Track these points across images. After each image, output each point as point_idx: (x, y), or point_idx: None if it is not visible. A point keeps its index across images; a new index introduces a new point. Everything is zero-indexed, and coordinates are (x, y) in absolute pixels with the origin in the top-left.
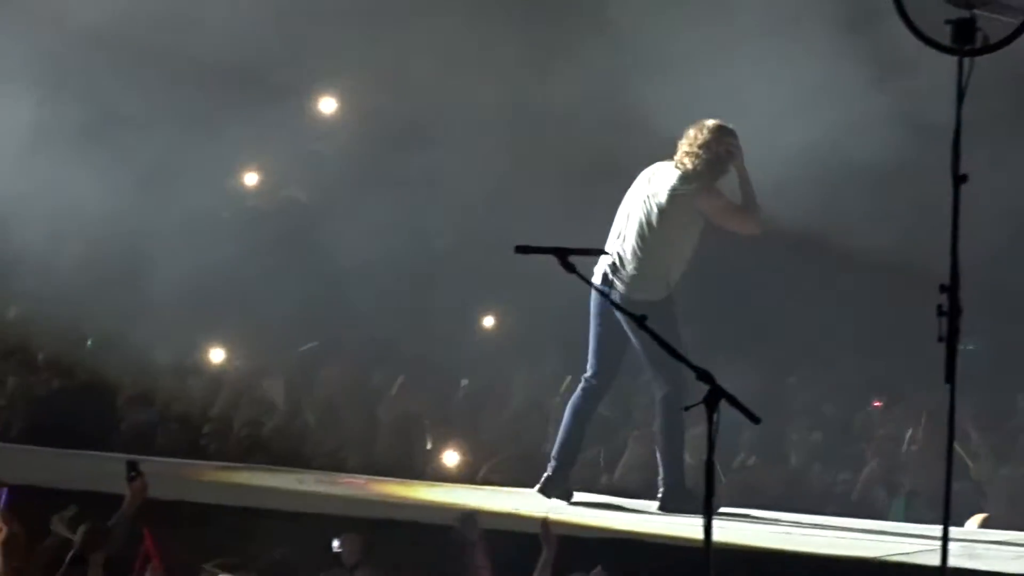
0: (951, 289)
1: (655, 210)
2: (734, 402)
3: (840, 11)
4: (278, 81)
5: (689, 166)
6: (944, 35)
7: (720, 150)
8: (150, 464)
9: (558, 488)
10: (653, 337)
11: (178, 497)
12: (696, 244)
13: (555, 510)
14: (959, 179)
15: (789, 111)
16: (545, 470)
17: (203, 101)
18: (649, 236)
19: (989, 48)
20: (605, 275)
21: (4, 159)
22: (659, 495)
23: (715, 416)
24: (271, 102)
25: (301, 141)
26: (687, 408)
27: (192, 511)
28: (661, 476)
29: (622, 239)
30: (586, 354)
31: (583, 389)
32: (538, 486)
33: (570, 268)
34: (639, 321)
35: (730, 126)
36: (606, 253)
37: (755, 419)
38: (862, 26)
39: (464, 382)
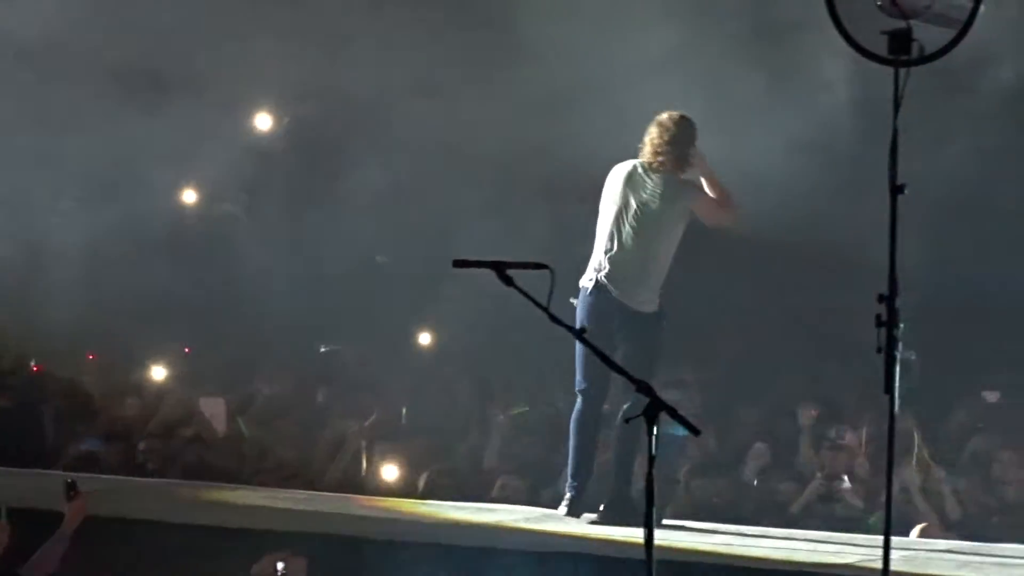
0: (889, 299)
1: (652, 218)
2: (674, 414)
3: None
4: (213, 93)
5: (669, 165)
6: (880, 46)
7: (686, 141)
8: (92, 482)
9: (582, 505)
10: (592, 350)
11: (118, 514)
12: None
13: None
14: (896, 189)
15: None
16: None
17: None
18: (654, 245)
19: (925, 59)
20: (598, 282)
21: None
22: (601, 506)
23: (654, 429)
24: (206, 114)
25: (236, 155)
26: (627, 420)
27: (133, 528)
28: (610, 485)
29: (612, 247)
30: (572, 368)
31: (581, 402)
32: (564, 508)
33: (508, 282)
34: (577, 334)
35: (687, 115)
36: (545, 267)
37: (695, 431)
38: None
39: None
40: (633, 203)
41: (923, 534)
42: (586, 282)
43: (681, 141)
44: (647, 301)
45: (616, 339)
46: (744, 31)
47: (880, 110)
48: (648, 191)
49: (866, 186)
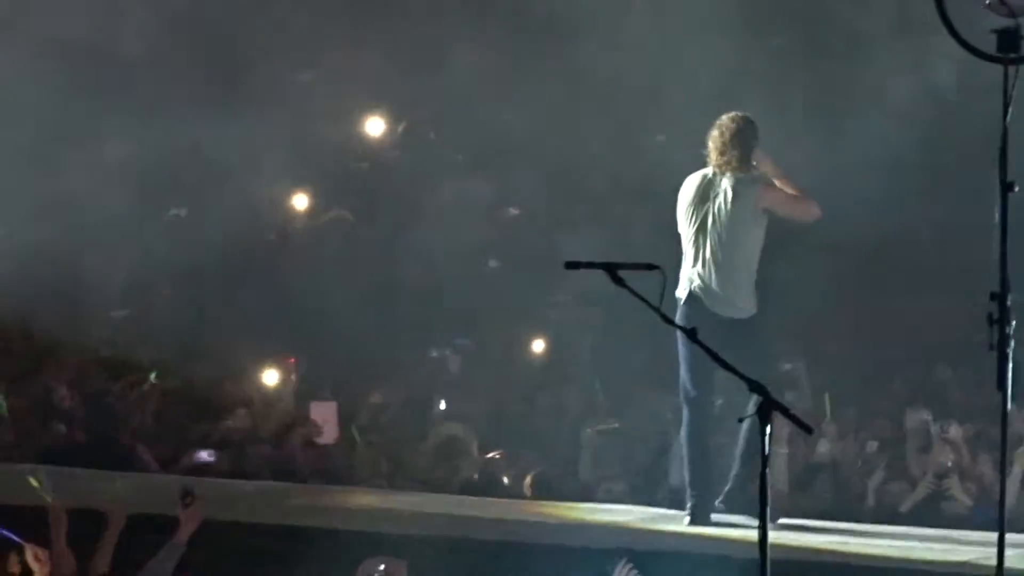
0: (1001, 296)
1: (728, 222)
2: (787, 413)
3: None
4: (317, 101)
5: (735, 163)
6: (990, 44)
7: (748, 139)
8: (203, 486)
9: (705, 515)
10: (705, 351)
11: (228, 519)
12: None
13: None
14: (1007, 187)
15: None
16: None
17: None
18: (736, 251)
19: None
20: (691, 293)
21: None
22: (721, 498)
23: (768, 428)
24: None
25: (344, 160)
26: (740, 420)
27: (241, 532)
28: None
29: (697, 257)
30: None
31: (688, 411)
32: (687, 518)
33: (619, 282)
34: (690, 335)
35: (746, 114)
36: (656, 267)
37: (808, 429)
38: None
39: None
40: (708, 210)
41: None
42: (681, 293)
43: (742, 139)
44: (741, 307)
45: (716, 348)
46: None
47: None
48: (719, 195)
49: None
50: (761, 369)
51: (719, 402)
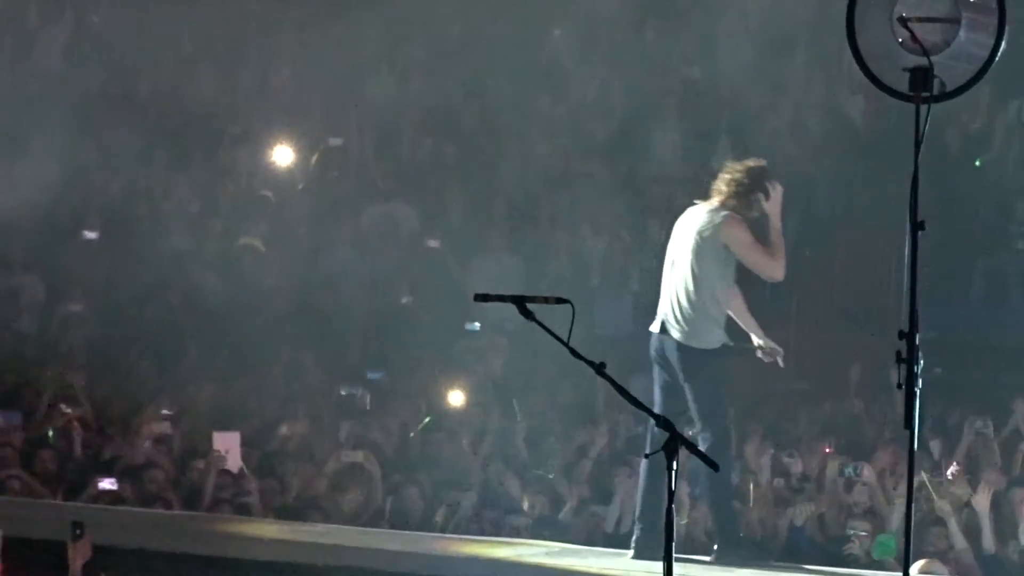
0: (909, 335)
1: (692, 253)
2: (694, 450)
3: None
4: (231, 128)
5: (716, 201)
6: (902, 83)
7: (750, 184)
8: (105, 514)
9: (649, 548)
10: (613, 385)
11: (133, 546)
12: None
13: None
14: (917, 226)
15: None
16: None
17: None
18: (693, 280)
19: (947, 95)
20: (663, 323)
21: None
22: (715, 547)
23: (675, 464)
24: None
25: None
26: (647, 456)
27: (147, 560)
28: (716, 527)
29: (672, 288)
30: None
31: (650, 439)
32: (631, 551)
33: (528, 315)
34: (597, 368)
35: (765, 164)
36: (565, 301)
37: (714, 466)
38: None
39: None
40: (677, 243)
41: (923, 570)
42: (654, 327)
43: (742, 182)
44: (705, 338)
45: (681, 378)
46: None
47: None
48: (691, 228)
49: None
50: (722, 402)
51: (690, 432)
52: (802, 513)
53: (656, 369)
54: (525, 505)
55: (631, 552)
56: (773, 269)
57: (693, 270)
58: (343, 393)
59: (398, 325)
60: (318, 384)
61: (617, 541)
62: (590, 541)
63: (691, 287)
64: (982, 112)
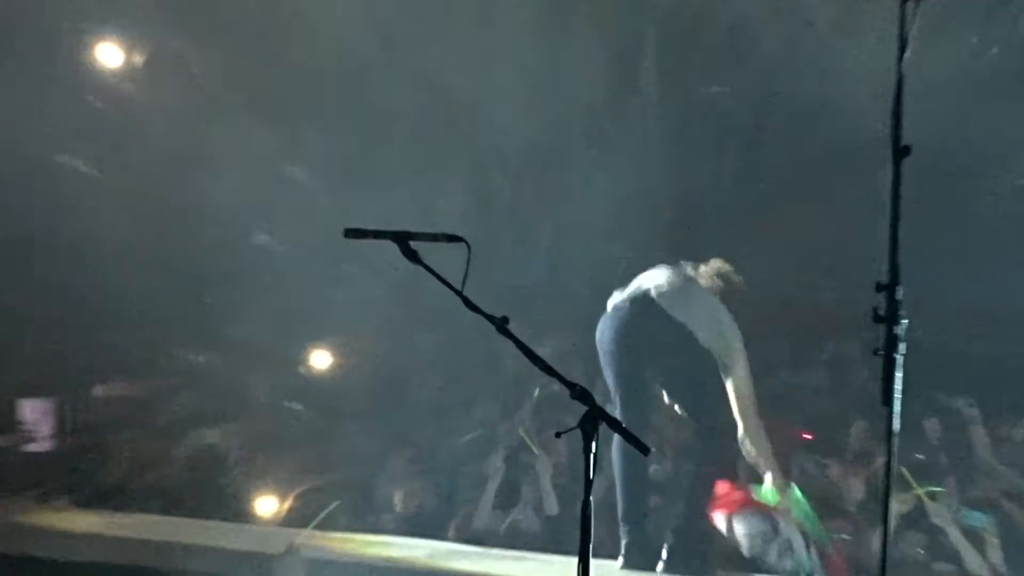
0: (890, 288)
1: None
2: (617, 427)
3: None
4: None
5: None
6: None
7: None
8: None
9: (645, 554)
10: (517, 345)
11: None
12: None
13: None
14: (900, 152)
15: None
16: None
17: None
18: None
19: None
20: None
21: None
22: (664, 554)
23: (593, 444)
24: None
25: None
26: (558, 435)
27: None
28: (673, 528)
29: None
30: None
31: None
32: (620, 559)
33: (413, 257)
34: (498, 324)
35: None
36: (458, 239)
37: (644, 449)
38: None
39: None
40: None
41: None
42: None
43: None
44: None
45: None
46: None
47: None
48: None
49: None
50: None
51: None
52: None
53: (614, 351)
54: (399, 499)
55: (620, 561)
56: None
57: None
58: (190, 357)
59: (255, 270)
60: (157, 342)
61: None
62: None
63: None
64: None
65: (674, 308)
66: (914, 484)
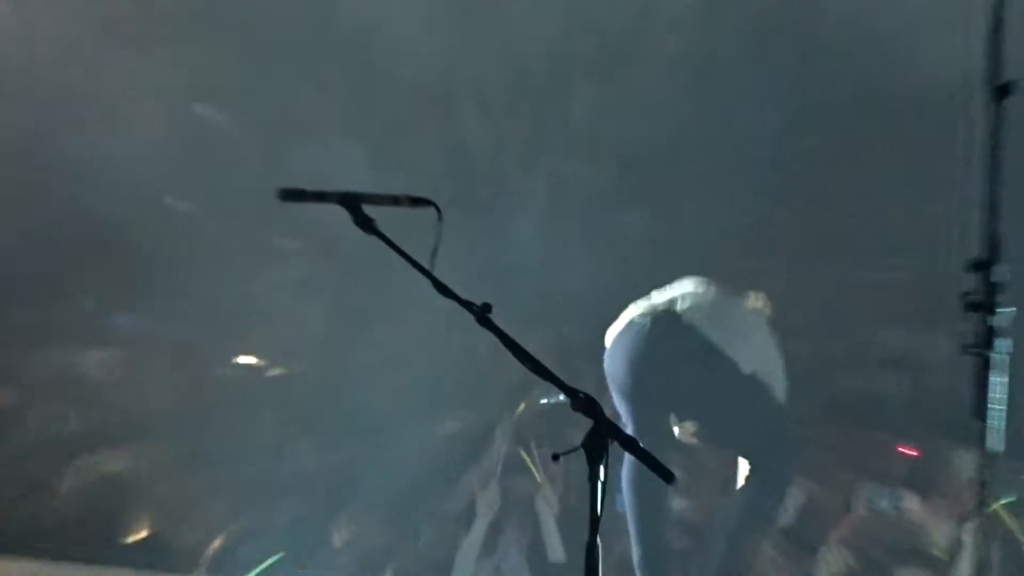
0: (986, 265)
1: None
2: (633, 447)
3: None
4: None
5: None
6: None
7: None
8: None
9: None
10: (500, 338)
11: None
12: None
13: None
14: (1000, 90)
15: None
16: None
17: None
18: None
19: None
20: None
21: None
22: None
23: (602, 468)
24: None
25: None
26: (555, 457)
27: None
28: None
29: None
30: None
31: (631, 462)
32: None
33: (367, 226)
34: (477, 313)
35: None
36: (429, 203)
37: (668, 476)
38: None
39: None
40: None
41: None
42: None
43: None
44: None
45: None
46: None
47: None
48: None
49: None
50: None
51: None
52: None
53: (629, 372)
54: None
55: None
56: None
57: None
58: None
59: (164, 241)
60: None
61: None
62: None
63: None
64: None
65: (710, 329)
66: (1012, 525)
